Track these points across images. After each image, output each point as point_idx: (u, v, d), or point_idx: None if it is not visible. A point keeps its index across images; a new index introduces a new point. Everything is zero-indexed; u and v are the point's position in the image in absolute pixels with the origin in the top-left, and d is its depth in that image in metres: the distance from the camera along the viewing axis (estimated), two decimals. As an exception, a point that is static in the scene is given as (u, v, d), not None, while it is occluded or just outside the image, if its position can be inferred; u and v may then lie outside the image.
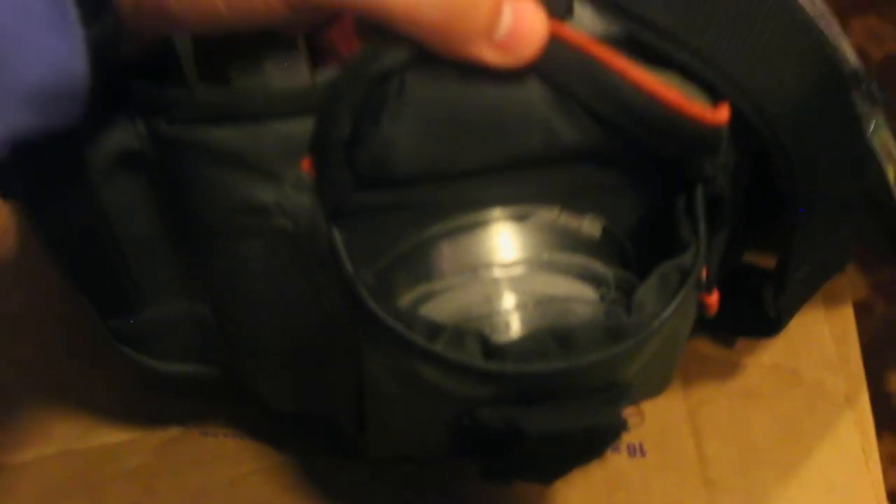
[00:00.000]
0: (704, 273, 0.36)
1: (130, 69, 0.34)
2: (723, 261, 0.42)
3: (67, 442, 0.47)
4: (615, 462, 0.47)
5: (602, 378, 0.33)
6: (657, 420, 0.48)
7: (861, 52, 0.42)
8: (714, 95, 0.34)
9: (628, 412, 0.46)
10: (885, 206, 0.44)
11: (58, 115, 0.30)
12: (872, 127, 0.41)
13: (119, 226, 0.36)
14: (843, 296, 0.51)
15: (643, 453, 0.47)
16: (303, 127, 0.33)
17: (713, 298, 0.38)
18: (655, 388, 0.40)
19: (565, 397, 0.33)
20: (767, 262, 0.43)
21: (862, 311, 0.54)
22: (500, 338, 0.33)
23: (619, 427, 0.34)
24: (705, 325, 0.49)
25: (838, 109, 0.37)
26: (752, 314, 0.46)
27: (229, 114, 0.33)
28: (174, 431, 0.48)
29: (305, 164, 0.33)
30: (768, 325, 0.46)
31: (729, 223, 0.37)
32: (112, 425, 0.48)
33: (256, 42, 0.35)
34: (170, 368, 0.43)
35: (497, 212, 0.36)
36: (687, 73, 0.33)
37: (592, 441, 0.34)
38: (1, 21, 0.27)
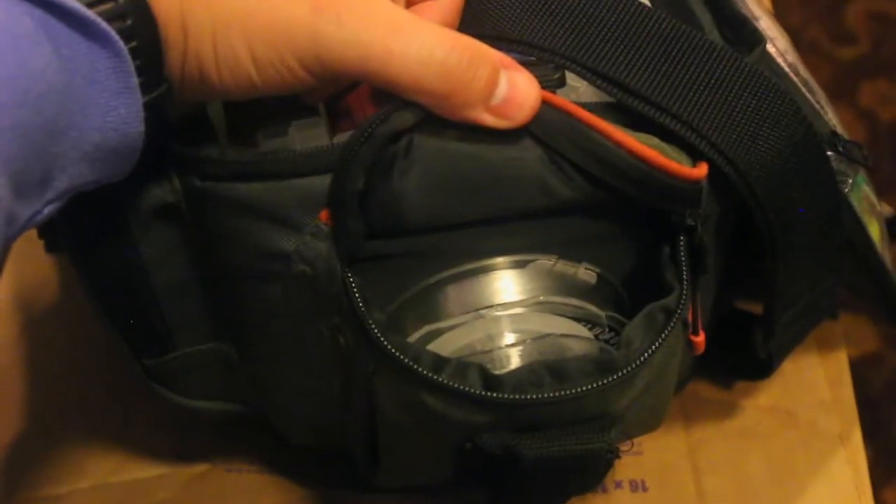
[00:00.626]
0: (690, 315, 0.39)
1: (169, 131, 0.37)
2: (714, 304, 0.45)
3: (101, 476, 0.50)
4: (619, 497, 0.49)
5: (594, 408, 0.36)
6: (659, 457, 0.50)
7: (871, 115, 0.45)
8: (695, 155, 0.37)
9: (625, 447, 0.49)
10: (869, 260, 0.47)
11: (113, 170, 0.34)
12: (850, 184, 0.44)
13: (155, 273, 0.40)
14: (836, 341, 0.54)
15: (645, 489, 0.49)
16: (322, 183, 0.36)
17: (700, 339, 0.41)
18: (650, 423, 0.42)
19: (560, 425, 0.36)
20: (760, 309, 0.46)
21: (873, 363, 0.56)
22: (501, 371, 0.36)
23: (610, 454, 0.36)
24: (704, 369, 0.52)
25: (813, 166, 0.40)
26: (745, 357, 0.49)
27: (256, 172, 0.36)
28: (201, 468, 0.51)
29: (323, 215, 0.36)
30: (760, 367, 0.49)
31: (712, 270, 0.40)
32: (144, 461, 0.51)
33: (281, 108, 0.38)
34: (197, 405, 0.46)
35: (499, 260, 0.39)
36: (669, 136, 0.37)
37: (586, 467, 0.37)
38: (74, 85, 0.31)
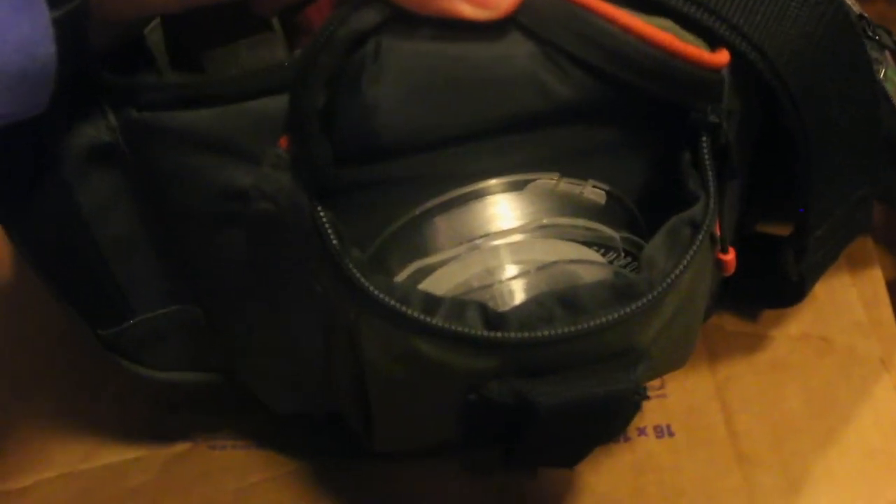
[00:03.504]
0: (717, 229, 0.34)
1: (101, 63, 0.32)
2: (739, 222, 0.40)
3: (70, 464, 0.46)
4: (643, 444, 0.44)
5: (616, 344, 0.31)
6: (684, 399, 0.45)
7: None
8: (713, 41, 0.32)
9: (651, 386, 0.44)
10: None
11: (25, 101, 0.29)
12: (883, 73, 0.39)
13: (97, 226, 0.35)
14: (869, 259, 0.49)
15: (672, 434, 0.45)
16: (278, 104, 0.31)
17: (730, 257, 0.36)
18: (678, 358, 0.37)
19: (579, 366, 0.31)
20: (786, 233, 0.41)
21: (894, 290, 0.51)
22: (504, 308, 0.31)
23: (638, 395, 0.31)
24: (729, 300, 0.47)
25: (846, 51, 0.35)
26: (774, 282, 0.44)
27: (200, 96, 0.31)
28: (181, 447, 0.46)
29: (283, 142, 0.31)
30: (792, 291, 0.44)
31: (739, 174, 0.35)
32: (117, 445, 0.46)
33: (231, 27, 0.33)
34: (169, 377, 0.41)
35: (492, 182, 0.34)
36: (683, 21, 0.31)
37: (610, 413, 0.32)
38: None
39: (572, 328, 0.30)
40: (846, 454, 0.43)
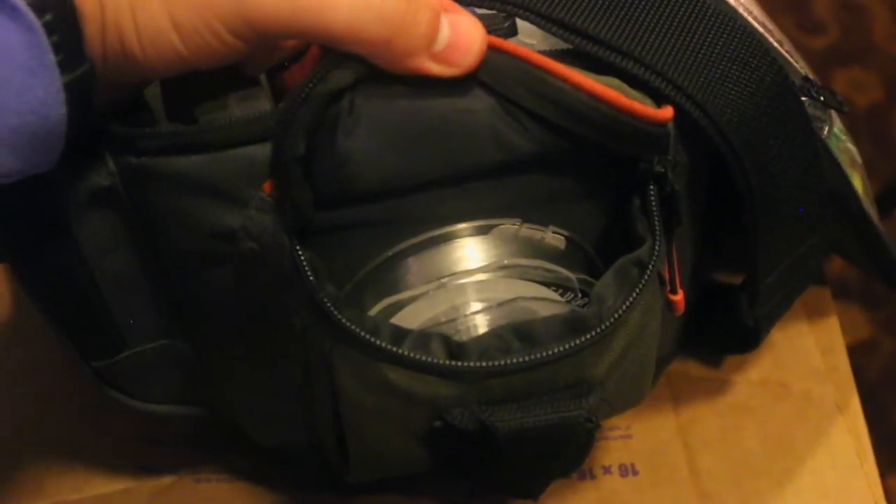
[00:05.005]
0: (667, 272, 0.37)
1: (101, 118, 0.35)
2: (695, 267, 0.43)
3: (61, 495, 0.47)
4: (608, 483, 0.46)
5: (568, 375, 0.34)
6: (648, 440, 0.48)
7: (847, 102, 0.43)
8: (659, 99, 0.35)
9: (614, 431, 0.47)
10: (854, 213, 0.45)
11: (37, 159, 0.32)
12: (827, 131, 0.42)
13: (95, 265, 0.37)
14: (826, 307, 0.52)
15: (636, 472, 0.47)
16: (263, 152, 0.34)
17: (678, 297, 0.38)
18: (633, 395, 0.40)
19: (534, 395, 0.33)
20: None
21: (868, 350, 0.54)
22: (466, 339, 0.33)
23: (590, 423, 0.34)
24: (691, 347, 0.50)
25: (787, 110, 0.38)
26: (732, 328, 0.46)
27: (192, 143, 0.34)
28: (167, 480, 0.48)
29: (267, 186, 0.34)
30: (748, 337, 0.46)
31: (685, 221, 0.37)
32: (106, 477, 0.48)
33: (221, 83, 0.36)
34: (156, 410, 0.43)
35: (461, 226, 0.36)
36: (631, 81, 0.35)
37: (564, 439, 0.34)
38: None
39: (527, 358, 0.32)
40: (802, 494, 0.46)
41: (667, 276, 0.37)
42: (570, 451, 0.35)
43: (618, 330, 0.34)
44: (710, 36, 0.36)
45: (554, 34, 0.35)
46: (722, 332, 0.47)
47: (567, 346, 0.33)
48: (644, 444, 0.48)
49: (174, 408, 0.44)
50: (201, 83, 0.36)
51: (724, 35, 0.36)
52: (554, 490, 0.45)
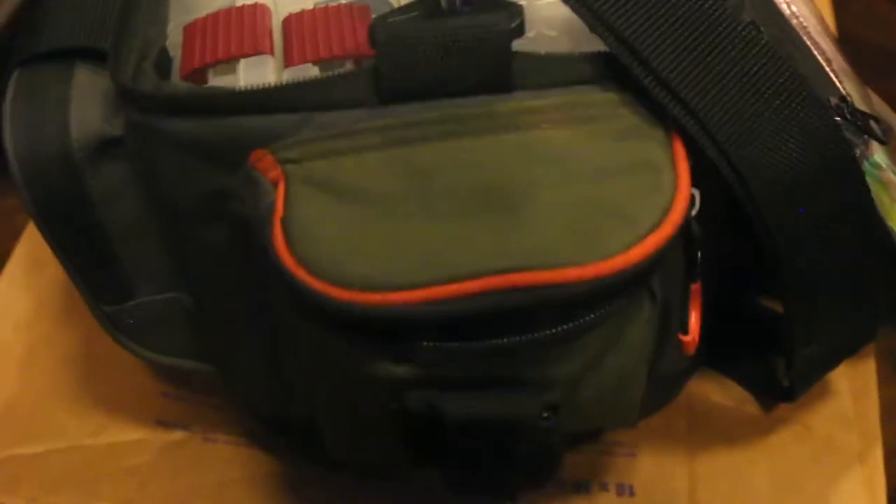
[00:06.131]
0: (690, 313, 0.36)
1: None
2: (721, 302, 0.41)
3: (79, 437, 0.50)
4: (602, 499, 0.45)
5: (530, 370, 0.33)
6: (652, 461, 0.46)
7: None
8: (691, 147, 0.33)
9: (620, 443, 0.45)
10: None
11: None
12: (858, 153, 0.39)
13: (105, 210, 0.39)
14: (866, 350, 0.49)
15: (632, 493, 0.45)
16: (253, 122, 0.34)
17: (689, 338, 0.37)
18: (619, 409, 0.39)
19: (492, 385, 0.33)
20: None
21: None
22: None
23: (544, 422, 0.33)
24: (714, 367, 0.48)
25: (842, 189, 0.36)
26: (765, 375, 0.45)
27: (185, 107, 0.35)
28: (179, 435, 0.49)
29: (253, 157, 0.34)
30: (782, 392, 0.44)
31: (702, 265, 0.36)
32: (124, 425, 0.50)
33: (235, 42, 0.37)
34: (167, 362, 0.45)
35: None
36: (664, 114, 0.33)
37: (515, 435, 0.34)
38: None
39: (481, 345, 0.32)
40: (805, 541, 0.44)
41: (688, 319, 0.36)
42: (527, 448, 0.35)
43: (587, 333, 0.33)
44: (775, 104, 0.34)
45: (594, 32, 0.34)
46: (754, 375, 0.46)
47: (524, 337, 0.32)
48: (648, 465, 0.46)
49: (181, 361, 0.45)
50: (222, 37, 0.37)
51: (790, 105, 0.34)
52: (544, 500, 0.45)
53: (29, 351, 0.53)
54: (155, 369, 0.51)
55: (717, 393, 0.48)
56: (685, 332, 0.37)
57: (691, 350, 0.38)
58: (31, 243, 0.57)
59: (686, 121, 0.33)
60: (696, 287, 0.37)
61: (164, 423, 0.50)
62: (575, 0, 0.34)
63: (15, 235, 0.58)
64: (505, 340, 0.32)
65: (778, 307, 0.41)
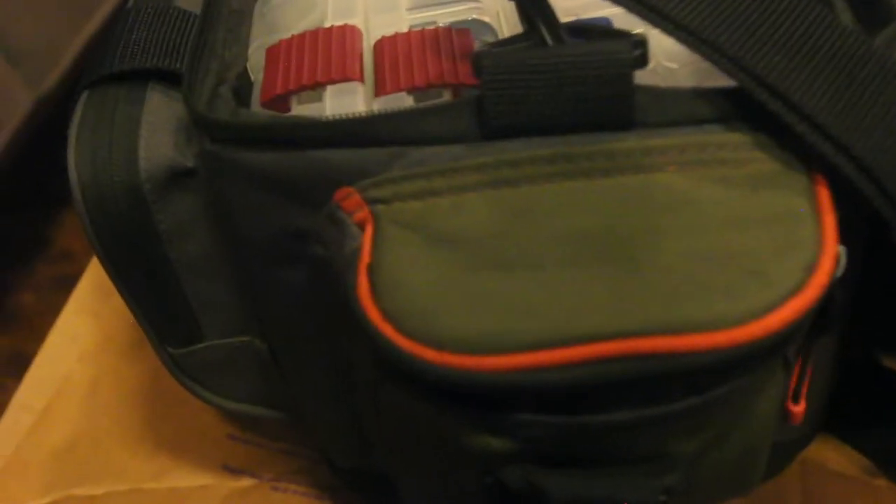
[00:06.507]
0: (794, 379, 0.32)
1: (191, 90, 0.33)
2: (848, 359, 0.37)
3: (141, 481, 0.47)
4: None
5: (646, 446, 0.29)
6: (764, 536, 0.42)
7: None
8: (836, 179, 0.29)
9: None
10: None
11: None
12: None
13: (172, 246, 0.36)
14: None
15: (741, 570, 0.41)
16: (340, 156, 0.31)
17: (799, 409, 0.33)
18: (737, 484, 0.34)
19: (601, 462, 0.29)
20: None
21: None
22: None
23: (658, 507, 0.29)
24: (836, 433, 0.43)
25: None
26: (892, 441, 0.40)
27: (262, 138, 0.31)
28: (246, 482, 0.46)
29: (339, 195, 0.31)
30: None
31: (837, 326, 0.31)
32: (189, 469, 0.47)
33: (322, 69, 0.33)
34: (236, 408, 0.42)
35: None
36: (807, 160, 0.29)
37: None
38: None
39: (597, 420, 0.28)
40: None
41: (792, 385, 0.31)
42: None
43: (715, 405, 0.29)
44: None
45: (722, 68, 0.29)
46: (884, 444, 0.41)
47: (644, 413, 0.28)
48: (759, 538, 0.42)
49: (251, 408, 0.42)
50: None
51: None
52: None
53: (93, 384, 0.50)
54: (219, 412, 0.48)
55: (836, 461, 0.44)
56: (796, 401, 0.33)
57: (798, 421, 0.34)
58: (100, 268, 0.55)
59: (845, 167, 0.28)
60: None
61: (230, 469, 0.47)
62: (695, 39, 0.29)
63: (89, 252, 0.56)
64: (623, 415, 0.28)
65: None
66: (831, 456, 0.44)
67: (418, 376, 0.28)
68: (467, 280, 0.28)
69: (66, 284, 0.55)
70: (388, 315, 0.28)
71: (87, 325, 0.53)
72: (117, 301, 0.52)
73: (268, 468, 0.47)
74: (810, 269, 0.27)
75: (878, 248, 0.34)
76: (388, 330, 0.28)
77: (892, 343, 0.42)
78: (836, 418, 0.41)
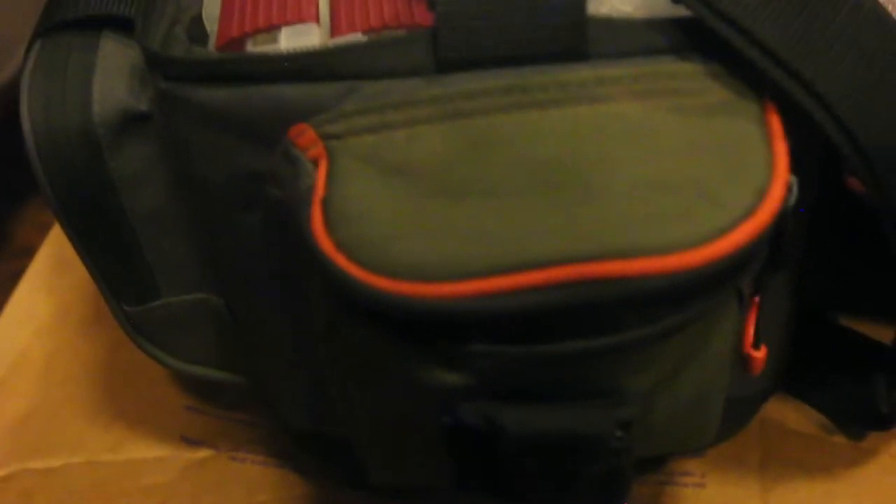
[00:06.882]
0: (750, 323, 0.32)
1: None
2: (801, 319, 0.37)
3: (97, 452, 0.46)
4: (667, 533, 0.41)
5: (600, 380, 0.29)
6: (723, 493, 0.42)
7: None
8: (788, 107, 0.29)
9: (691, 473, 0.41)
10: None
11: None
12: None
13: (128, 197, 0.35)
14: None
15: (701, 526, 0.41)
16: (295, 91, 0.31)
17: (759, 354, 0.33)
18: (693, 432, 0.34)
19: (557, 396, 0.29)
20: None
21: None
22: None
23: (619, 440, 0.29)
24: (796, 395, 0.43)
25: None
26: (856, 398, 0.40)
27: (216, 74, 0.31)
28: (204, 453, 0.46)
29: (293, 132, 0.31)
30: (876, 419, 0.40)
31: (791, 262, 0.32)
32: (146, 441, 0.46)
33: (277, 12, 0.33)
34: (193, 371, 0.41)
35: None
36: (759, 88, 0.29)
37: (585, 454, 0.29)
38: None
39: (550, 349, 0.28)
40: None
41: (751, 329, 0.32)
42: (595, 472, 0.30)
43: (670, 335, 0.29)
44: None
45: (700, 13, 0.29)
46: (842, 398, 0.41)
47: (600, 341, 0.28)
48: (718, 497, 0.42)
49: (209, 370, 0.41)
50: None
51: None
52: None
53: (49, 358, 0.50)
54: (180, 381, 0.48)
55: (795, 419, 0.44)
56: (756, 345, 0.33)
57: (758, 370, 0.34)
58: (57, 244, 0.54)
59: (797, 93, 0.28)
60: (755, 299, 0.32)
61: (188, 440, 0.46)
62: None
63: (42, 232, 0.55)
64: (576, 344, 0.28)
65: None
66: (790, 415, 0.44)
67: (372, 306, 0.28)
68: (421, 209, 0.28)
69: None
70: (340, 245, 0.28)
71: (43, 302, 0.52)
72: (73, 277, 0.52)
73: (226, 439, 0.46)
74: (761, 193, 0.27)
75: (830, 192, 0.35)
76: (340, 260, 0.28)
77: (846, 300, 0.42)
78: (793, 377, 0.41)
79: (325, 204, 0.29)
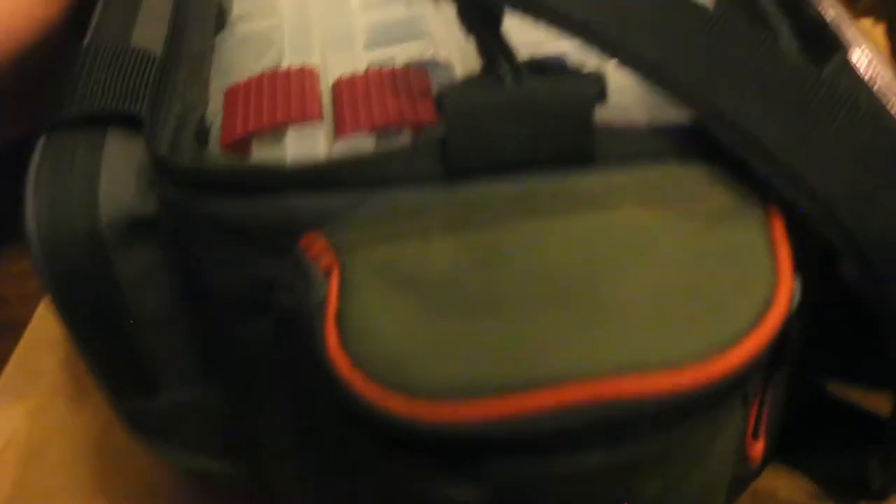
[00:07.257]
0: (752, 416, 0.32)
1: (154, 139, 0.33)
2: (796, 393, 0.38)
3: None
4: None
5: (614, 488, 0.29)
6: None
7: None
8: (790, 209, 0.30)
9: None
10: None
11: None
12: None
13: (134, 297, 0.35)
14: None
15: None
16: (307, 202, 0.31)
17: (759, 446, 0.34)
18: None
19: None
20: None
21: None
22: None
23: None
24: (788, 463, 0.44)
25: None
26: (848, 469, 0.41)
27: (227, 184, 0.31)
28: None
29: (304, 242, 0.31)
30: (868, 491, 0.40)
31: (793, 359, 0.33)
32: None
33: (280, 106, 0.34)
34: (193, 465, 0.41)
35: None
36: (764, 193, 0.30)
37: None
38: None
39: (559, 469, 0.28)
40: None
41: (751, 423, 0.32)
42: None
43: (676, 444, 0.29)
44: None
45: (686, 103, 0.30)
46: (834, 469, 0.42)
47: (616, 453, 0.28)
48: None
49: (212, 464, 0.40)
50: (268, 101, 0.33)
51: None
52: None
53: (42, 441, 0.49)
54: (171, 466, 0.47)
55: (786, 488, 0.44)
56: (756, 435, 0.34)
57: (756, 462, 0.35)
58: (42, 322, 0.54)
59: (799, 198, 0.29)
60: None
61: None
62: (655, 72, 0.30)
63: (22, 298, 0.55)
64: (592, 457, 0.28)
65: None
66: (781, 484, 0.44)
67: (388, 426, 0.28)
68: (434, 325, 0.28)
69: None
70: (356, 363, 0.28)
71: (31, 382, 0.52)
72: (60, 355, 0.52)
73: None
74: (768, 302, 0.28)
75: (826, 278, 0.35)
76: (357, 378, 0.28)
77: (839, 369, 0.43)
78: (785, 446, 0.42)
79: (339, 318, 0.29)
